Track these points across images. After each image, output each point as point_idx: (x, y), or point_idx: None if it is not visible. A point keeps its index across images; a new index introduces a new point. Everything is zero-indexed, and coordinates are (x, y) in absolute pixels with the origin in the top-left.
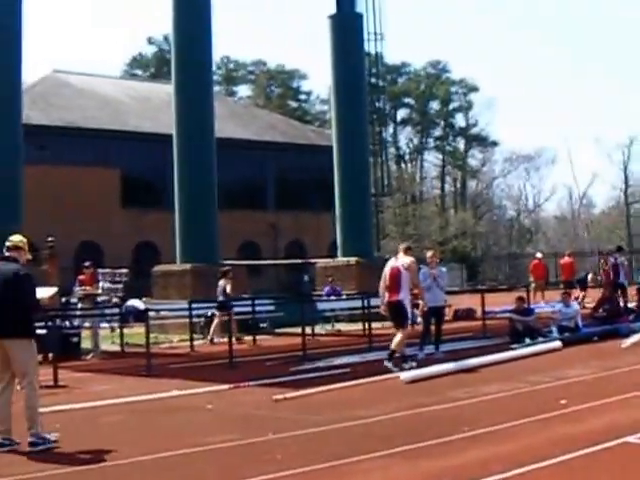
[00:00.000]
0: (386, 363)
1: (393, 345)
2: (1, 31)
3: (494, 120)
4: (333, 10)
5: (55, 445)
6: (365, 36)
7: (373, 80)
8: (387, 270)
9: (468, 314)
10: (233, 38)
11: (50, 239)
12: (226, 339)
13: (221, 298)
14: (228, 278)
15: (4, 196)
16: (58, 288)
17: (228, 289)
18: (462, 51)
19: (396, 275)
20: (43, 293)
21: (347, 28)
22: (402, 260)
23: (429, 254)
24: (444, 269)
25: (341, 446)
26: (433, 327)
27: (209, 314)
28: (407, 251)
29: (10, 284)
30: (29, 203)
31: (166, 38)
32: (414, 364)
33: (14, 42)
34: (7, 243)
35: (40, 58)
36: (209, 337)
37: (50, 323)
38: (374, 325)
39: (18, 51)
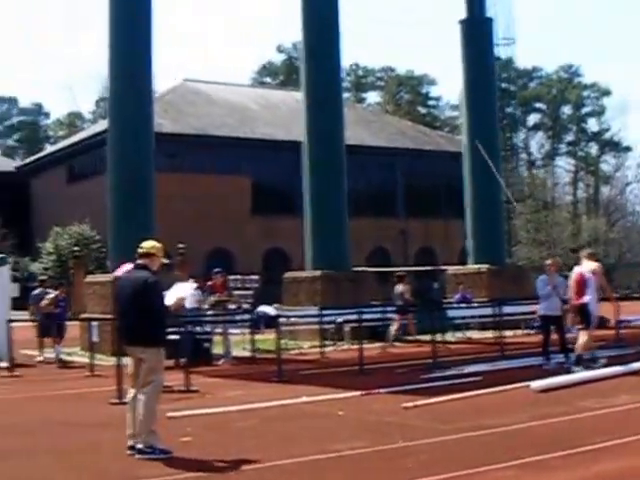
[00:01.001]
0: (574, 368)
1: (578, 349)
2: (133, 42)
3: (627, 124)
4: (463, 15)
5: (165, 456)
6: (495, 40)
7: (504, 85)
8: (572, 276)
9: (601, 323)
10: (362, 45)
11: (181, 246)
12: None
13: (399, 302)
14: (406, 283)
15: (137, 204)
16: (196, 285)
17: (407, 294)
18: (594, 54)
19: (580, 280)
20: (180, 290)
21: (478, 33)
22: (587, 265)
23: (548, 262)
24: (561, 278)
25: (471, 455)
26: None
27: (339, 320)
28: (590, 257)
29: (139, 292)
30: (160, 211)
31: (295, 46)
32: (603, 361)
33: (145, 52)
34: (139, 250)
35: (172, 67)
36: (390, 340)
37: (182, 329)
38: (506, 333)
39: (149, 61)
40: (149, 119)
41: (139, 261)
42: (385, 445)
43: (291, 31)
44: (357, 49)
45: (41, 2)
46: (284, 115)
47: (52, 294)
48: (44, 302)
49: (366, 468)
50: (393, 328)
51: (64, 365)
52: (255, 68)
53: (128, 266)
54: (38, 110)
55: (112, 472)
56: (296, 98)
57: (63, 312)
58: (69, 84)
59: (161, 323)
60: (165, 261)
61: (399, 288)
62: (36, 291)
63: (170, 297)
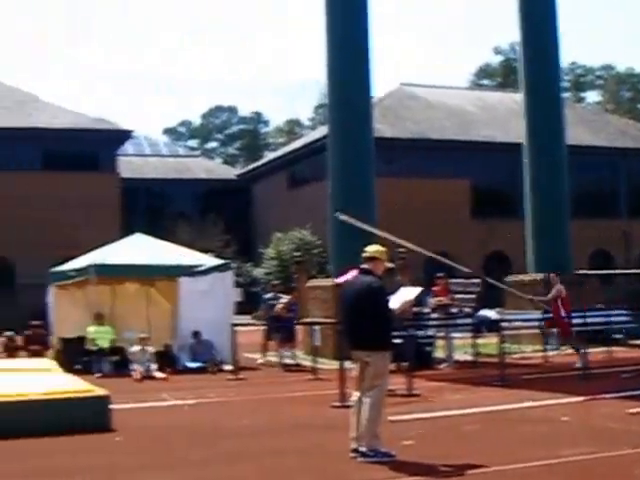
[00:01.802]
0: None
1: None
2: (353, 51)
3: None
4: None
5: (387, 460)
6: None
7: None
8: None
9: None
10: (581, 43)
11: (402, 250)
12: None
13: None
14: None
15: (357, 209)
16: (422, 289)
17: None
18: None
19: None
20: (407, 294)
21: None
22: None
23: None
24: None
25: None
26: None
27: None
28: None
29: (364, 297)
30: (380, 215)
31: (512, 47)
32: None
33: (365, 59)
34: (363, 254)
35: (389, 72)
36: None
37: (405, 333)
38: None
39: (367, 69)
40: (368, 125)
41: (364, 265)
42: (611, 452)
43: (508, 32)
44: (576, 48)
45: (256, 14)
46: (502, 117)
47: (285, 298)
48: (278, 306)
49: (592, 475)
50: None
51: (287, 368)
52: (472, 70)
53: (353, 272)
54: (257, 118)
55: (335, 474)
56: (514, 99)
57: (294, 317)
58: (288, 93)
59: (387, 327)
60: (389, 265)
61: None
62: (268, 295)
63: (394, 301)
